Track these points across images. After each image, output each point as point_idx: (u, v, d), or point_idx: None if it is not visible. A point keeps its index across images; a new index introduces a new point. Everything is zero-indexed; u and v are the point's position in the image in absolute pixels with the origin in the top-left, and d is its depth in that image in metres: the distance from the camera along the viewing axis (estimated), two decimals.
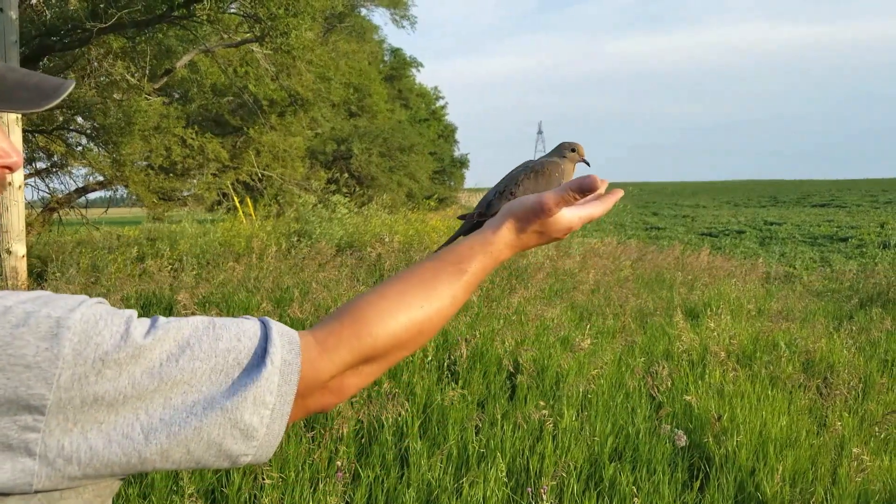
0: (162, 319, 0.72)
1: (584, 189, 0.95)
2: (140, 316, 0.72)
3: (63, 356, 0.63)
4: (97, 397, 0.64)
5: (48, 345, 0.63)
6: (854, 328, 7.11)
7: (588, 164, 1.15)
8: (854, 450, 3.69)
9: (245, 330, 0.74)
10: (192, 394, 0.68)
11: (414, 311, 0.85)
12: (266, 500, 2.98)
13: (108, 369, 0.65)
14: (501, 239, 0.95)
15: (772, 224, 28.78)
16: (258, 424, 0.71)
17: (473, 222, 1.05)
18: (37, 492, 0.63)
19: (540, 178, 1.07)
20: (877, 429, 4.27)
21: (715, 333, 5.98)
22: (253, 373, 0.71)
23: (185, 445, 0.68)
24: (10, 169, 0.85)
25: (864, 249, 19.06)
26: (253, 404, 0.70)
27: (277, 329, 0.76)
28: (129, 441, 0.65)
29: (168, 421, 0.67)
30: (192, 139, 11.69)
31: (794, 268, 13.71)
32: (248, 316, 0.79)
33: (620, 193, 1.02)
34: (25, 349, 0.62)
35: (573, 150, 1.12)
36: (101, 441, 0.64)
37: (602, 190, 0.99)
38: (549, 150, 1.17)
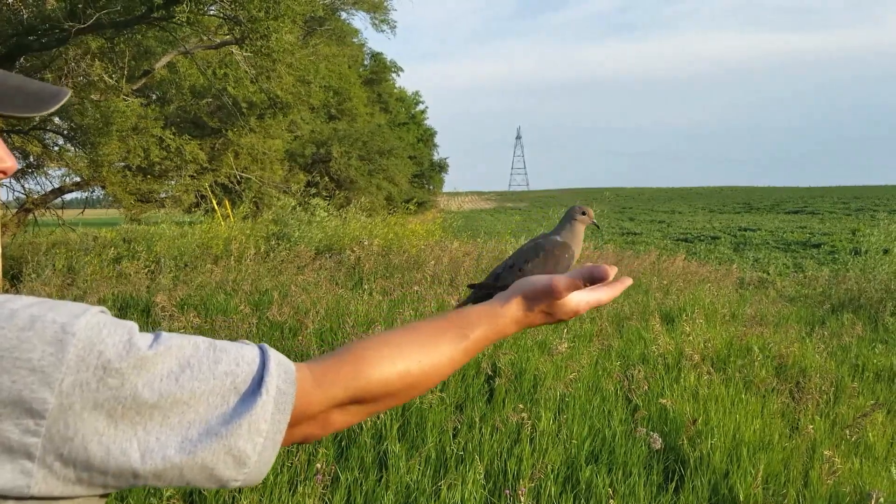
0: (165, 334, 0.72)
1: (595, 278, 0.98)
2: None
3: (67, 361, 0.63)
4: (97, 405, 0.65)
5: (53, 349, 0.63)
6: (826, 333, 7.22)
7: (598, 226, 1.20)
8: (825, 453, 3.76)
9: (244, 355, 0.75)
10: (188, 414, 0.69)
11: (411, 363, 0.87)
12: (245, 503, 2.98)
13: (109, 378, 0.65)
14: (509, 313, 0.97)
15: (746, 230, 29.16)
16: (251, 452, 0.72)
17: (482, 293, 1.08)
18: (32, 497, 0.63)
19: (549, 259, 1.10)
20: (847, 432, 4.34)
21: (690, 338, 6.04)
22: (249, 400, 0.72)
23: (179, 468, 0.68)
24: (4, 173, 0.86)
25: (836, 256, 19.38)
26: (248, 431, 0.71)
27: (275, 358, 0.77)
28: (126, 458, 0.66)
29: (164, 443, 0.67)
30: (171, 140, 11.60)
31: (768, 273, 13.88)
32: (246, 341, 0.80)
33: (629, 282, 1.05)
34: (31, 353, 0.62)
35: (584, 213, 1.16)
36: (99, 453, 0.65)
37: (611, 277, 1.01)
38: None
